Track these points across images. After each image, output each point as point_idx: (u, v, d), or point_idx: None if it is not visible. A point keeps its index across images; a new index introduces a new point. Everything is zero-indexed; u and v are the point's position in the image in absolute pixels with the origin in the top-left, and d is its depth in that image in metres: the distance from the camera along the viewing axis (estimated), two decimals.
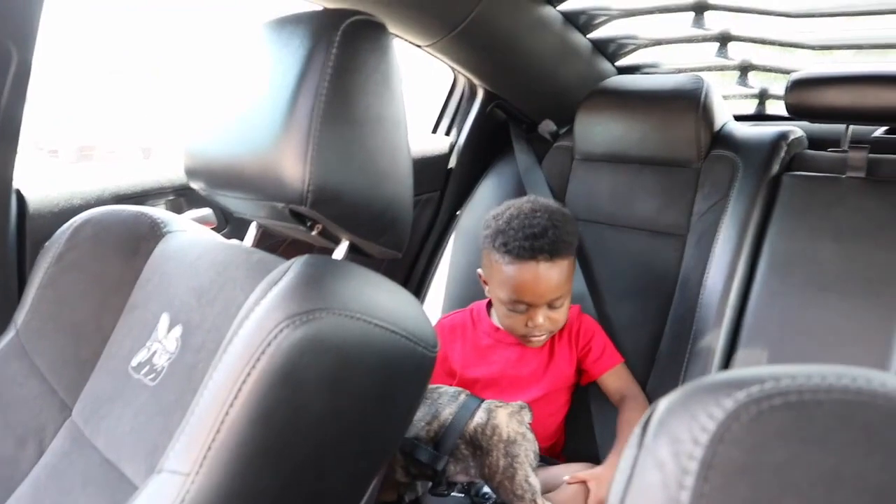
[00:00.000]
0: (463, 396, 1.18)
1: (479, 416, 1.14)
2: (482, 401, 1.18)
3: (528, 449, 1.13)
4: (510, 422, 1.14)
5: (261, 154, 0.79)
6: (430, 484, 1.17)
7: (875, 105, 1.36)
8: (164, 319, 0.90)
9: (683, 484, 0.34)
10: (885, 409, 0.34)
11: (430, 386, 1.20)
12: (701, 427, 0.35)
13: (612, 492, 0.37)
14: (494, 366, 1.38)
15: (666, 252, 1.53)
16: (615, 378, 1.39)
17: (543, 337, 1.34)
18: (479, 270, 1.41)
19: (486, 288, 1.39)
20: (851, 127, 1.48)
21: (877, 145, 1.45)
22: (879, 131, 1.53)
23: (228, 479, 0.63)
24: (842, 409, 0.34)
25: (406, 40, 1.55)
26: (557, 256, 1.27)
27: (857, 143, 1.45)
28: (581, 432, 1.42)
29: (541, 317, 1.29)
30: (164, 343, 0.88)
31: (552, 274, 1.27)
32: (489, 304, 1.46)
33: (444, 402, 1.17)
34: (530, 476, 1.11)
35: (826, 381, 0.35)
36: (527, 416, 1.17)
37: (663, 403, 0.38)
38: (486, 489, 1.20)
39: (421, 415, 1.15)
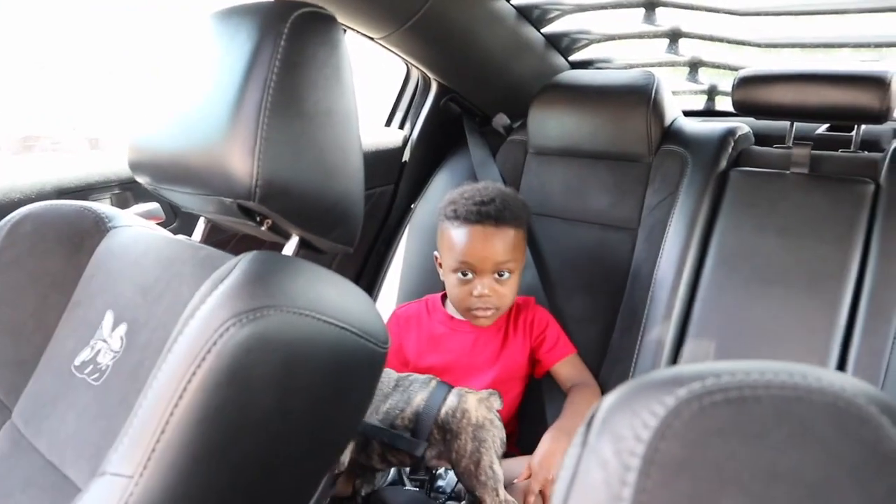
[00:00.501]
0: (434, 382, 1.19)
1: (450, 401, 1.16)
2: (452, 387, 1.19)
3: (495, 435, 1.15)
4: (479, 407, 1.16)
5: (208, 148, 0.78)
6: (409, 469, 1.22)
7: (818, 103, 1.39)
8: (109, 317, 0.88)
9: (625, 480, 0.34)
10: (820, 405, 0.35)
11: (402, 374, 1.21)
12: (643, 424, 0.35)
13: (556, 490, 0.37)
14: (448, 354, 1.39)
15: (617, 246, 1.55)
16: (568, 368, 1.41)
17: (490, 312, 1.35)
18: (436, 253, 1.44)
19: (440, 271, 1.41)
20: (796, 124, 1.51)
21: (820, 142, 1.49)
22: (822, 128, 1.57)
23: (174, 480, 0.62)
24: (779, 404, 0.35)
25: (358, 32, 1.54)
26: (503, 223, 1.32)
27: (800, 139, 1.49)
28: (535, 424, 1.43)
29: (486, 286, 1.32)
30: (108, 342, 0.86)
31: (497, 239, 1.32)
32: (444, 297, 1.47)
33: (415, 388, 1.18)
34: (494, 463, 1.12)
35: (764, 378, 0.36)
36: (496, 403, 1.18)
37: (606, 402, 0.38)
38: (442, 482, 1.20)
39: (394, 402, 1.16)
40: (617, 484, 0.35)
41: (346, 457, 1.11)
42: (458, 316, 1.42)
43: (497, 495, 1.12)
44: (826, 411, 0.35)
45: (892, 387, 1.20)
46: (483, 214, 1.32)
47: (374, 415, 1.14)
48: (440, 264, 1.42)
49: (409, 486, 1.21)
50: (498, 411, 1.18)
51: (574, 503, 0.36)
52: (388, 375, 1.19)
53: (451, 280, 1.37)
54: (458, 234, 1.34)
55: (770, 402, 0.35)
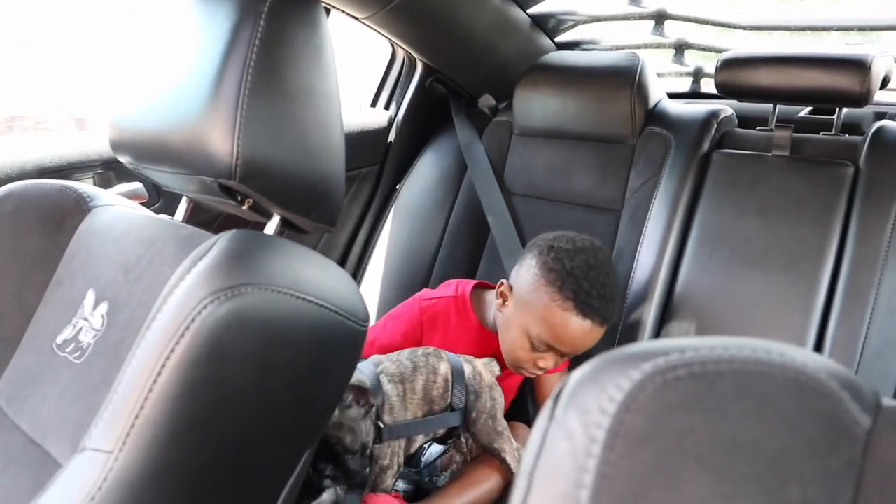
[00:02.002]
0: (443, 353, 1.23)
1: (467, 367, 1.22)
2: (451, 354, 1.24)
3: (501, 394, 1.24)
4: (486, 370, 1.24)
5: (188, 127, 0.78)
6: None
7: (800, 86, 1.40)
8: (90, 296, 0.88)
9: (591, 452, 0.35)
10: (781, 379, 0.36)
11: (405, 350, 1.23)
12: (609, 398, 0.36)
13: (523, 463, 0.38)
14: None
15: (601, 227, 1.56)
16: (555, 382, 1.41)
17: (535, 374, 1.29)
18: (505, 282, 1.32)
19: (502, 302, 1.31)
20: (779, 107, 1.52)
21: (801, 125, 1.50)
22: (804, 111, 1.58)
23: (152, 456, 0.63)
24: (741, 378, 0.36)
25: (343, 12, 1.53)
26: (605, 325, 1.24)
27: (783, 122, 1.49)
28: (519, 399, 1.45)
29: (553, 361, 1.25)
30: (89, 320, 0.86)
31: (594, 335, 1.23)
32: (472, 291, 1.40)
33: (433, 360, 1.20)
34: (503, 419, 1.23)
35: (728, 353, 0.37)
36: (496, 369, 1.27)
37: (574, 376, 0.39)
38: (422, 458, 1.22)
39: (425, 376, 1.18)
40: (582, 456, 0.35)
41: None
42: (488, 326, 1.36)
43: (511, 443, 1.22)
44: (787, 385, 0.35)
45: (867, 366, 1.22)
46: (600, 313, 1.20)
47: (413, 394, 1.15)
48: (504, 295, 1.30)
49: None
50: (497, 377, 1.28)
51: (540, 474, 0.37)
52: (399, 358, 1.20)
53: (518, 338, 1.25)
54: (564, 318, 1.20)
55: (732, 376, 0.36)
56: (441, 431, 1.21)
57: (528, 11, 1.77)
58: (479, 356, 1.31)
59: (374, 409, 1.08)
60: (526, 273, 1.26)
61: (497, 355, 1.33)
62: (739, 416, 0.35)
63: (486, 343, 1.35)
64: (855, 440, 0.34)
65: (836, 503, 0.33)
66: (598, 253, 1.25)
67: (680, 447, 0.35)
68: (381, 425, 1.08)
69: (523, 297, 1.25)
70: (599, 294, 1.19)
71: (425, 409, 1.16)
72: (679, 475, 0.34)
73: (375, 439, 1.08)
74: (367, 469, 1.06)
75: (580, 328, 1.20)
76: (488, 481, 1.20)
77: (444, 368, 1.19)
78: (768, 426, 0.35)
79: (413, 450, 1.18)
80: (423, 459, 1.19)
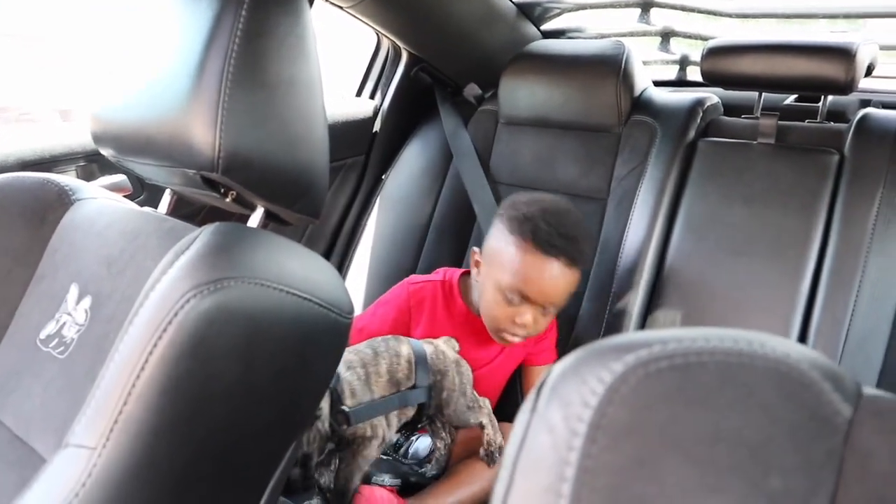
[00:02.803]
0: (399, 337, 1.24)
1: (427, 346, 1.23)
2: (412, 340, 1.25)
3: (469, 368, 1.25)
4: (447, 347, 1.25)
5: (170, 119, 0.77)
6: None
7: (785, 74, 1.40)
8: (74, 290, 0.87)
9: (572, 445, 0.35)
10: (763, 370, 0.36)
11: (368, 340, 1.23)
12: (591, 390, 0.36)
13: (506, 456, 0.38)
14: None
15: (587, 215, 1.56)
16: (542, 375, 1.40)
17: (518, 339, 1.29)
18: (476, 249, 1.36)
19: (477, 270, 1.34)
20: (764, 95, 1.52)
21: (787, 113, 1.51)
22: (790, 99, 1.58)
23: (136, 451, 0.62)
24: (723, 370, 0.36)
25: (327, 1, 1.52)
26: (574, 266, 1.25)
27: (768, 110, 1.50)
28: (510, 396, 1.45)
29: (531, 315, 1.25)
30: (73, 315, 0.85)
31: (563, 279, 1.24)
32: (461, 278, 1.42)
33: (394, 343, 1.21)
34: (474, 392, 1.23)
35: (710, 344, 0.37)
36: (455, 345, 1.28)
37: (556, 369, 0.39)
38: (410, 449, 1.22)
39: (388, 360, 1.18)
40: (564, 449, 0.35)
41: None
42: (474, 310, 1.37)
43: (491, 421, 1.24)
44: (769, 376, 0.36)
45: (850, 354, 1.23)
46: (562, 249, 1.22)
47: (378, 377, 1.15)
48: (477, 262, 1.34)
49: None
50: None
51: (522, 468, 0.37)
52: (357, 348, 1.20)
53: (493, 295, 1.27)
54: (527, 259, 1.23)
55: (715, 367, 0.36)
56: (411, 412, 1.19)
57: (514, 0, 1.77)
58: (465, 339, 1.33)
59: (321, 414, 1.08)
60: (491, 232, 1.32)
61: (484, 339, 1.35)
62: (721, 407, 0.35)
63: (472, 327, 1.36)
64: (836, 430, 0.35)
65: (817, 493, 0.34)
66: (559, 202, 1.30)
67: (662, 439, 0.35)
68: (346, 409, 1.08)
69: (491, 254, 1.29)
70: (560, 233, 1.22)
71: (392, 390, 1.16)
72: (661, 467, 0.34)
73: (342, 424, 1.08)
74: (310, 479, 1.08)
75: (546, 268, 1.22)
76: (481, 478, 1.21)
77: (405, 350, 1.20)
78: (750, 417, 0.35)
79: (391, 435, 1.18)
80: (410, 451, 1.20)
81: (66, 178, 1.01)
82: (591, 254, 1.35)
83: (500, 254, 1.27)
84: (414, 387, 1.18)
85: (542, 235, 1.22)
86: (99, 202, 0.97)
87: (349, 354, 1.16)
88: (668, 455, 0.34)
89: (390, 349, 1.19)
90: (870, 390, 0.37)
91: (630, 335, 0.39)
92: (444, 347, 1.25)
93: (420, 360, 1.20)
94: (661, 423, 0.35)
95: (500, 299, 1.26)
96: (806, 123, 1.48)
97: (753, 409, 0.35)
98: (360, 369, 1.14)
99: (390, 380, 1.16)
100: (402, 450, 1.23)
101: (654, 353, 0.37)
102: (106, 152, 0.93)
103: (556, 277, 1.23)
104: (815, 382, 0.35)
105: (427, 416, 1.22)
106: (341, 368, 1.13)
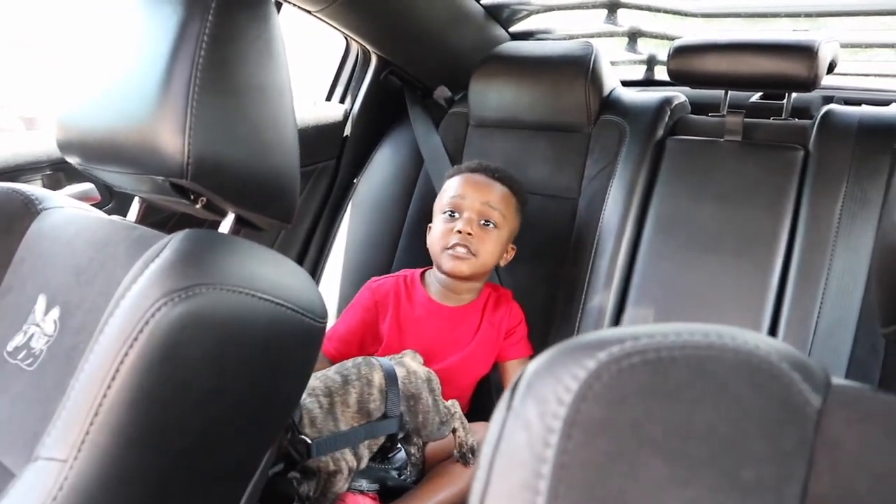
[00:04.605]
0: (374, 361, 1.18)
1: (399, 370, 1.19)
2: (382, 358, 1.21)
3: (438, 381, 1.23)
4: (414, 363, 1.23)
5: (137, 126, 0.76)
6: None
7: (750, 72, 1.42)
8: (41, 301, 0.86)
9: (548, 442, 0.35)
10: (733, 362, 0.36)
11: (338, 365, 1.18)
12: (565, 388, 0.36)
13: (482, 454, 0.38)
14: (426, 337, 1.38)
15: (559, 215, 1.57)
16: (518, 368, 1.40)
17: (465, 254, 1.33)
18: (430, 224, 1.45)
19: (430, 235, 1.43)
20: (730, 93, 1.55)
21: (753, 110, 1.53)
22: (755, 97, 1.61)
23: (109, 463, 0.61)
24: (694, 363, 0.36)
25: (295, 5, 1.51)
26: (501, 181, 1.40)
27: (734, 108, 1.52)
28: (484, 395, 1.45)
29: (469, 223, 1.34)
30: (41, 326, 0.84)
31: (492, 187, 1.39)
32: (422, 275, 1.46)
33: (365, 370, 1.15)
34: (444, 402, 1.22)
35: (681, 339, 0.37)
36: (420, 359, 1.27)
37: (530, 367, 0.39)
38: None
39: (358, 389, 1.12)
40: (540, 445, 0.36)
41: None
42: (437, 298, 1.41)
43: (462, 424, 1.22)
44: (739, 368, 0.36)
45: (820, 345, 1.25)
46: (482, 166, 1.41)
47: (345, 407, 1.10)
48: (429, 229, 1.44)
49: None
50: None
51: (499, 465, 0.37)
52: (325, 373, 1.15)
53: (436, 223, 1.40)
54: (453, 181, 1.41)
55: (686, 361, 0.36)
56: (381, 440, 1.16)
57: (482, 2, 1.77)
58: (432, 328, 1.38)
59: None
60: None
61: (451, 326, 1.39)
62: (693, 400, 0.35)
63: (439, 315, 1.40)
64: (806, 419, 0.35)
65: (789, 482, 0.34)
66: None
67: (636, 434, 0.35)
68: (309, 441, 1.02)
69: (435, 208, 1.45)
70: (479, 163, 1.43)
71: (362, 420, 1.11)
72: (636, 462, 0.35)
73: (303, 455, 1.02)
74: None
75: (468, 179, 1.40)
76: (460, 480, 1.20)
77: (377, 379, 1.15)
78: (722, 409, 0.35)
79: (363, 465, 1.13)
80: (389, 457, 1.19)
81: (32, 188, 0.99)
82: (518, 182, 1.43)
83: (440, 196, 1.45)
84: (385, 416, 1.13)
85: (467, 166, 1.44)
86: (66, 211, 0.96)
87: (314, 381, 1.11)
88: (642, 449, 0.35)
89: (362, 377, 1.13)
90: (839, 380, 0.38)
91: (603, 332, 0.39)
92: (415, 366, 1.21)
93: (391, 385, 1.15)
94: (635, 418, 0.35)
95: (442, 220, 1.39)
96: (771, 120, 1.51)
97: (725, 402, 0.35)
98: (323, 398, 1.09)
99: (360, 410, 1.11)
100: (378, 460, 1.22)
101: (627, 349, 0.37)
102: (72, 160, 0.91)
103: (480, 185, 1.38)
104: (784, 373, 0.36)
105: (399, 441, 1.20)
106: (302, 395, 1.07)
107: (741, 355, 0.37)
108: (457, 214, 1.36)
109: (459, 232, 1.33)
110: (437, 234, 1.38)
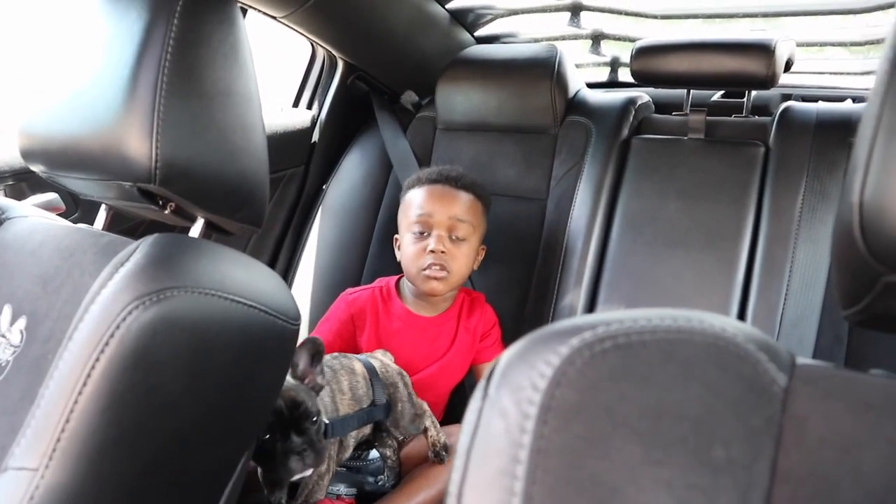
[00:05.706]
0: (347, 354, 1.24)
1: (375, 362, 1.24)
2: (357, 356, 1.25)
3: (408, 376, 1.28)
4: (386, 359, 1.27)
5: (104, 131, 0.75)
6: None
7: (711, 71, 1.45)
8: (7, 311, 0.84)
9: (525, 428, 0.36)
10: (702, 345, 0.37)
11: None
12: (539, 374, 0.37)
13: (460, 443, 0.39)
14: (405, 349, 1.38)
15: (528, 216, 1.58)
16: None
17: (442, 274, 1.33)
18: (396, 236, 1.44)
19: (398, 253, 1.42)
20: (693, 92, 1.57)
21: (714, 108, 1.56)
22: (717, 95, 1.64)
23: (81, 471, 0.61)
24: (664, 347, 0.37)
25: (260, 11, 1.51)
26: (465, 189, 1.38)
27: (697, 106, 1.55)
28: (461, 400, 1.46)
29: (439, 241, 1.33)
30: (7, 336, 0.83)
31: (457, 198, 1.37)
32: (397, 283, 1.46)
33: (345, 361, 1.20)
34: (417, 397, 1.27)
35: (651, 323, 0.38)
36: (391, 357, 1.31)
37: (505, 356, 0.40)
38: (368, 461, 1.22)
39: (346, 378, 1.17)
40: (517, 432, 0.36)
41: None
42: (413, 308, 1.41)
43: (433, 423, 1.26)
44: (708, 351, 0.37)
45: (785, 336, 1.28)
46: (443, 176, 1.39)
47: (342, 395, 1.15)
48: (397, 241, 1.43)
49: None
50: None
51: (477, 453, 0.37)
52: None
53: (406, 242, 1.38)
54: (416, 194, 1.39)
55: (656, 345, 0.37)
56: (368, 430, 1.20)
57: (447, 6, 1.78)
58: (411, 340, 1.38)
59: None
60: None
61: (430, 336, 1.39)
62: (664, 383, 0.36)
63: (416, 326, 1.40)
64: (773, 398, 0.36)
65: (758, 460, 0.35)
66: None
67: (610, 417, 0.36)
68: (326, 422, 1.06)
69: (400, 218, 1.44)
70: (440, 170, 1.41)
71: (355, 408, 1.16)
72: (610, 445, 0.35)
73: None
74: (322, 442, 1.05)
75: (432, 192, 1.38)
76: (438, 481, 1.21)
77: (358, 367, 1.20)
78: (692, 391, 0.36)
79: (346, 456, 1.17)
80: (361, 465, 1.19)
81: None
82: (481, 186, 1.43)
83: (401, 213, 1.43)
84: (373, 404, 1.18)
85: (423, 176, 1.41)
86: (31, 220, 0.94)
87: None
88: (616, 433, 0.36)
89: (345, 366, 1.18)
90: (803, 360, 0.39)
91: (575, 319, 0.40)
92: (386, 360, 1.27)
93: (374, 375, 1.20)
94: (608, 401, 0.36)
95: (412, 240, 1.37)
96: (733, 118, 1.54)
97: (694, 384, 0.36)
98: (326, 386, 1.13)
99: (353, 396, 1.16)
100: (355, 464, 1.22)
101: (599, 335, 0.38)
102: (36, 168, 0.90)
103: (445, 197, 1.37)
104: (751, 354, 0.37)
105: (383, 431, 1.22)
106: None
107: (709, 338, 0.38)
108: (426, 232, 1.35)
109: (433, 251, 1.33)
110: (410, 255, 1.37)
